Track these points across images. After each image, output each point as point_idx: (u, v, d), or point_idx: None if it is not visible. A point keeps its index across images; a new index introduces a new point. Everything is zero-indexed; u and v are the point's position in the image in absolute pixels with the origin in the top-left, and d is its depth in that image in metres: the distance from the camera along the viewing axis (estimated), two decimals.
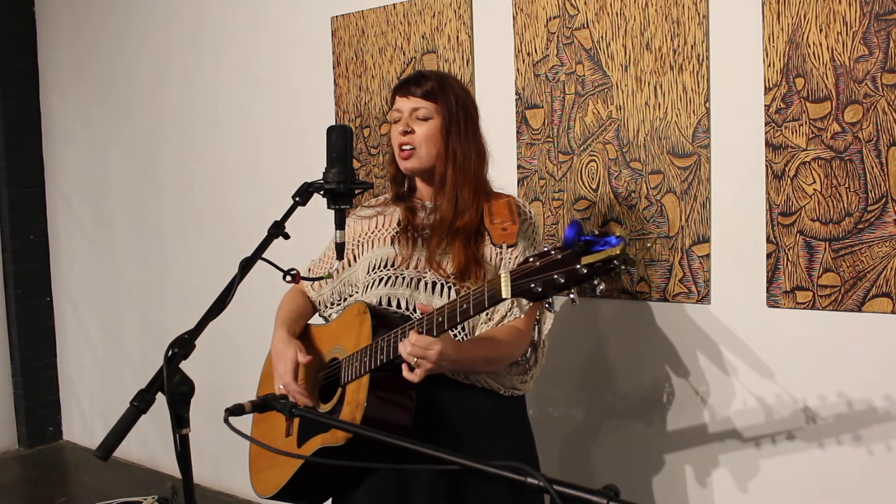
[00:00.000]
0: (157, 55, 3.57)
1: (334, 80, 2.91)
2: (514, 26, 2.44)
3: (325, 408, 1.70)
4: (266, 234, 1.41)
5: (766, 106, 2.02)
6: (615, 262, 1.12)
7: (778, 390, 2.05)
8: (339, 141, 1.46)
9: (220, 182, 3.39)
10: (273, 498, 1.76)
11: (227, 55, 3.29)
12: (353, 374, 1.61)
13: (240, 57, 3.24)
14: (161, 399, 1.23)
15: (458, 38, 2.57)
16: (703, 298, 2.15)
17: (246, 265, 1.37)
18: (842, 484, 1.96)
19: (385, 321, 1.63)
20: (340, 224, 1.49)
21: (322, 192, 1.46)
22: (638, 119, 2.21)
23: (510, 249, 1.68)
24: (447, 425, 1.64)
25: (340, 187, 1.44)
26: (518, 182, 2.45)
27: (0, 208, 4.07)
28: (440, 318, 1.45)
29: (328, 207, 1.48)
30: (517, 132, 2.45)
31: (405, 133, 1.70)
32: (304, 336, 1.85)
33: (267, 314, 1.90)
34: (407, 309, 1.68)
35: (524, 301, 1.38)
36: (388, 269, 1.73)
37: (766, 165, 2.03)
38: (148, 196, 3.72)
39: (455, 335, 1.67)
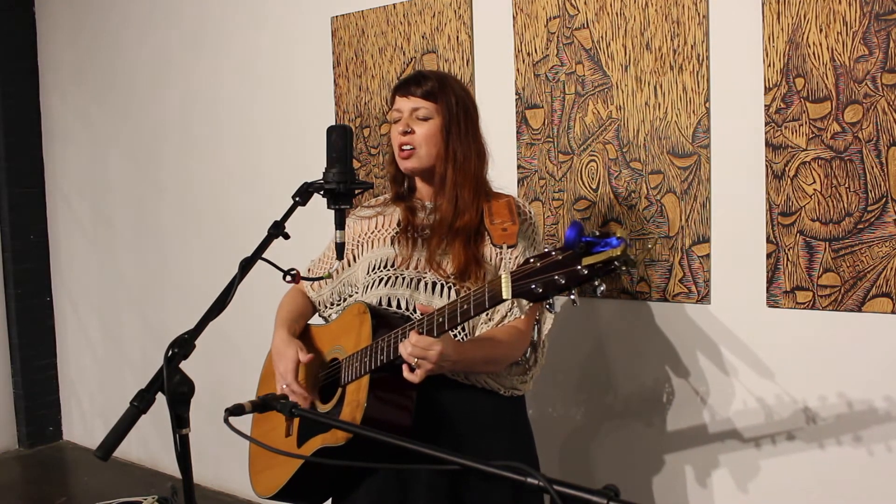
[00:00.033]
0: (157, 55, 3.57)
1: (334, 80, 2.91)
2: (514, 26, 2.44)
3: (325, 408, 1.70)
4: (266, 234, 1.41)
5: (766, 106, 2.02)
6: (616, 263, 1.12)
7: (778, 390, 2.05)
8: (339, 141, 1.46)
9: (220, 182, 3.39)
10: (273, 498, 1.76)
11: (227, 55, 3.29)
12: (354, 375, 1.61)
13: (240, 57, 3.24)
14: (161, 399, 1.23)
15: (458, 38, 2.57)
16: (703, 298, 2.15)
17: (246, 265, 1.37)
18: (842, 484, 1.96)
19: (385, 321, 1.62)
20: (340, 224, 1.49)
21: (322, 192, 1.46)
22: (638, 119, 2.21)
23: (510, 250, 1.68)
24: (447, 425, 1.64)
25: (340, 187, 1.44)
26: (518, 182, 2.45)
27: (0, 208, 4.07)
28: (440, 319, 1.45)
29: (328, 207, 1.48)
30: (517, 132, 2.45)
31: (405, 133, 1.70)
32: (304, 336, 1.85)
33: (267, 314, 1.90)
34: (407, 309, 1.68)
35: (524, 301, 1.38)
36: (388, 270, 1.73)
37: (766, 165, 2.03)
38: (148, 196, 3.72)
39: (455, 335, 1.67)
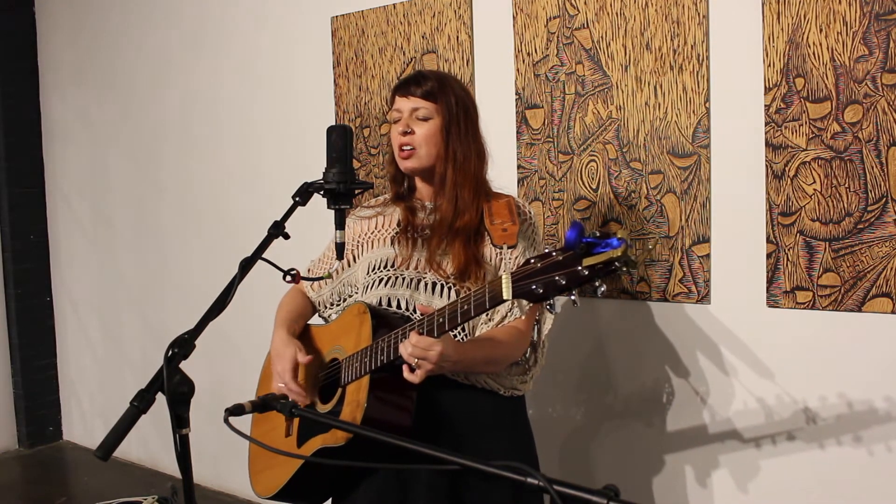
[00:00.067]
0: (157, 55, 3.57)
1: (334, 80, 2.91)
2: (514, 26, 2.44)
3: (325, 408, 1.70)
4: (266, 234, 1.41)
5: (766, 106, 2.02)
6: (617, 263, 1.12)
7: (778, 390, 2.05)
8: (339, 141, 1.46)
9: (220, 182, 3.39)
10: (273, 498, 1.76)
11: (227, 55, 3.29)
12: (354, 375, 1.61)
13: (240, 57, 3.24)
14: (161, 399, 1.23)
15: (458, 38, 2.57)
16: (703, 298, 2.15)
17: (246, 265, 1.37)
18: (842, 484, 1.96)
19: (385, 322, 1.62)
20: (340, 224, 1.49)
21: (322, 192, 1.46)
22: (638, 119, 2.21)
23: (510, 250, 1.68)
24: (447, 425, 1.64)
25: (340, 187, 1.44)
26: (518, 182, 2.45)
27: (0, 208, 4.07)
28: (441, 319, 1.45)
29: (328, 207, 1.48)
30: (517, 132, 2.45)
31: (405, 133, 1.70)
32: (303, 336, 1.85)
33: (267, 314, 1.90)
34: (407, 309, 1.68)
35: (524, 302, 1.38)
36: (388, 270, 1.73)
37: (766, 165, 2.03)
38: (148, 196, 3.72)
39: (455, 336, 1.67)
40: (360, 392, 1.57)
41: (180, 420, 1.21)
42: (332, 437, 1.57)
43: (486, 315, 1.68)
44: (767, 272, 2.05)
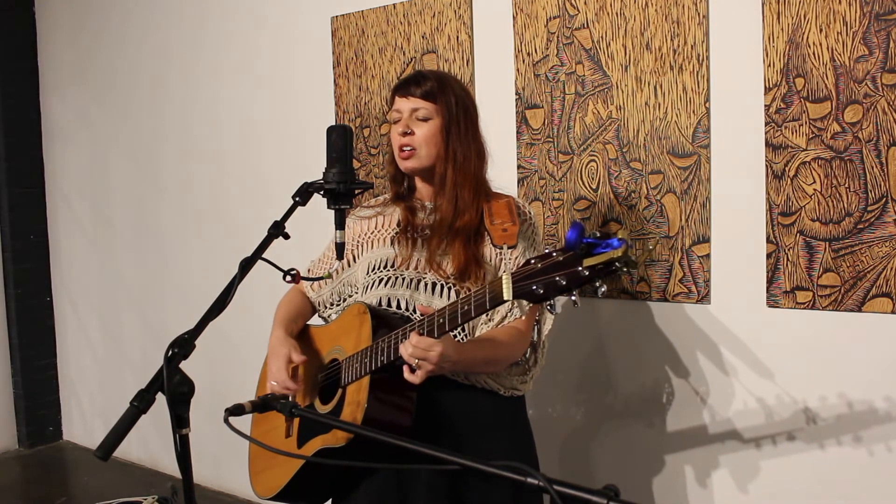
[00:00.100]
0: (157, 55, 3.57)
1: (334, 80, 2.91)
2: (514, 26, 2.44)
3: (325, 409, 1.70)
4: (266, 234, 1.41)
5: (766, 106, 2.02)
6: (617, 264, 1.12)
7: (778, 391, 2.05)
8: (339, 141, 1.46)
9: (221, 182, 3.39)
10: (273, 499, 1.76)
11: (227, 55, 3.29)
12: (354, 376, 1.61)
13: (240, 57, 3.24)
14: (161, 399, 1.23)
15: (458, 38, 2.57)
16: (703, 298, 2.15)
17: (246, 265, 1.37)
18: (842, 484, 1.96)
19: (385, 322, 1.62)
20: (340, 224, 1.49)
21: (322, 192, 1.46)
22: (638, 119, 2.21)
23: (510, 250, 1.68)
24: (447, 425, 1.64)
25: (340, 187, 1.44)
26: (518, 182, 2.45)
27: (0, 208, 4.07)
28: (441, 320, 1.45)
29: (328, 207, 1.48)
30: (517, 132, 2.45)
31: (405, 134, 1.70)
32: (303, 337, 1.85)
33: (267, 314, 1.90)
34: (407, 310, 1.68)
35: (524, 302, 1.38)
36: (388, 270, 1.73)
37: (766, 165, 2.03)
38: (148, 196, 3.72)
39: (455, 336, 1.67)
40: (361, 392, 1.57)
41: (180, 420, 1.21)
42: (333, 437, 1.57)
43: (486, 315, 1.68)
44: (767, 272, 2.05)
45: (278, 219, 1.42)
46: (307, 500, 1.78)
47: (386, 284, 1.72)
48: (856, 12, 1.88)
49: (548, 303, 1.23)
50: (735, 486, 2.13)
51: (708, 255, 2.14)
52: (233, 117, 3.30)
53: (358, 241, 1.84)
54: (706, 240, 2.14)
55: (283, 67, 3.10)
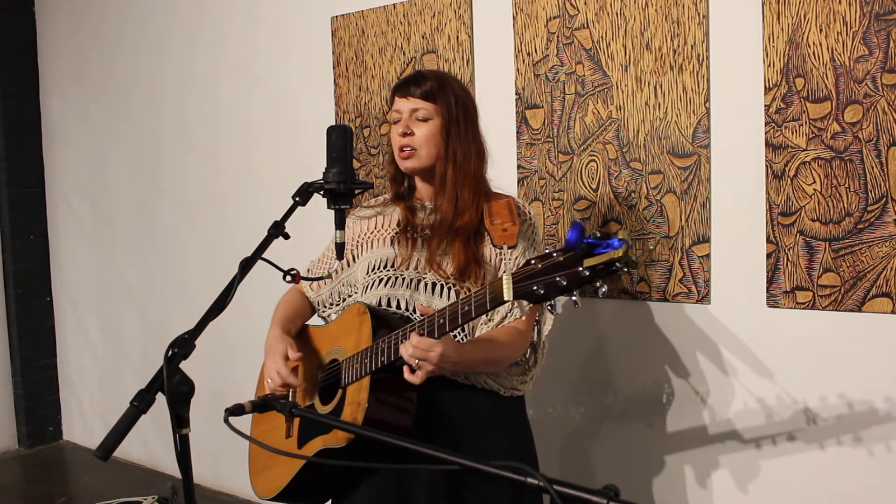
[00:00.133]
0: (157, 55, 3.57)
1: (334, 80, 2.91)
2: (514, 26, 2.44)
3: (325, 409, 1.70)
4: (266, 234, 1.41)
5: (766, 106, 2.02)
6: (618, 264, 1.12)
7: (778, 391, 2.05)
8: (339, 141, 1.46)
9: (220, 182, 3.39)
10: (273, 499, 1.76)
11: (226, 56, 3.29)
12: (354, 376, 1.61)
13: (239, 57, 3.24)
14: (161, 399, 1.22)
15: (458, 38, 2.57)
16: (703, 298, 2.15)
17: (246, 265, 1.37)
18: (842, 484, 1.96)
19: (385, 322, 1.62)
20: (340, 224, 1.49)
21: (322, 192, 1.46)
22: (638, 119, 2.21)
23: (510, 250, 1.68)
24: (447, 426, 1.64)
25: (340, 187, 1.44)
26: (518, 182, 2.45)
27: (0, 208, 4.07)
28: (441, 320, 1.45)
29: (328, 207, 1.48)
30: (517, 132, 2.45)
31: (405, 135, 1.70)
32: (303, 337, 1.85)
33: (267, 314, 1.90)
34: (407, 310, 1.68)
35: (525, 302, 1.38)
36: (388, 270, 1.73)
37: (766, 165, 2.03)
38: (148, 196, 3.72)
39: (455, 336, 1.67)
40: (361, 393, 1.57)
41: (180, 420, 1.21)
42: (334, 437, 1.57)
43: (487, 316, 1.68)
44: (767, 272, 2.05)
45: (278, 219, 1.42)
46: (307, 501, 1.78)
47: (386, 284, 1.72)
48: (856, 12, 1.88)
49: (548, 303, 1.23)
50: (735, 486, 2.13)
51: (708, 255, 2.14)
52: (232, 117, 3.30)
53: (358, 241, 1.84)
54: (706, 240, 2.13)
55: (283, 67, 3.10)
